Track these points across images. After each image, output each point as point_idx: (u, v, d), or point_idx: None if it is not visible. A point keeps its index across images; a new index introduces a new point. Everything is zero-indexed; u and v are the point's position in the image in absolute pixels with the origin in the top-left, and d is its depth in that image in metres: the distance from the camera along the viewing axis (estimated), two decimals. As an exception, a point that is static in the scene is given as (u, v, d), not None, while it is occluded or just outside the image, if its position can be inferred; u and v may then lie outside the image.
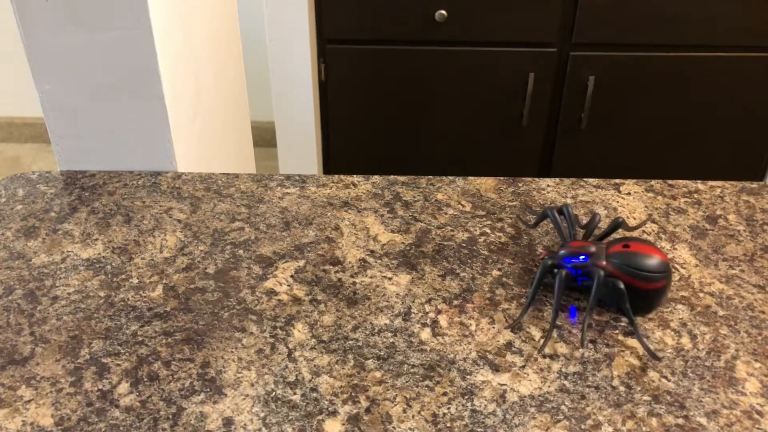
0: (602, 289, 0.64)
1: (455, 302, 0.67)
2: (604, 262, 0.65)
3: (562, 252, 0.67)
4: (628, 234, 0.75)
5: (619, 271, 0.64)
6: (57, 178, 0.86)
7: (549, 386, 0.59)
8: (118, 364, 0.61)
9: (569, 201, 0.82)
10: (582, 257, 0.65)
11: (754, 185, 0.85)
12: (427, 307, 0.67)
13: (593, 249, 0.66)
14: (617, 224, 0.70)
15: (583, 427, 0.55)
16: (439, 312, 0.66)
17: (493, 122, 1.73)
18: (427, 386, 0.59)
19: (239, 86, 1.28)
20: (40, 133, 2.67)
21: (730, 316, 0.66)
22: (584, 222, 0.77)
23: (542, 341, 0.63)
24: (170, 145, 0.87)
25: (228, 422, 0.55)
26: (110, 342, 0.63)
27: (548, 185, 0.84)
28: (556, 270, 0.66)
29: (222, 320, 0.65)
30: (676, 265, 0.72)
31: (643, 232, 0.77)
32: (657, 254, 0.64)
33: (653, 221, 0.78)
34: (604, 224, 0.78)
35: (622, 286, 0.62)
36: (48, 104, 0.84)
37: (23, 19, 0.78)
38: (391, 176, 0.86)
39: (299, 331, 0.64)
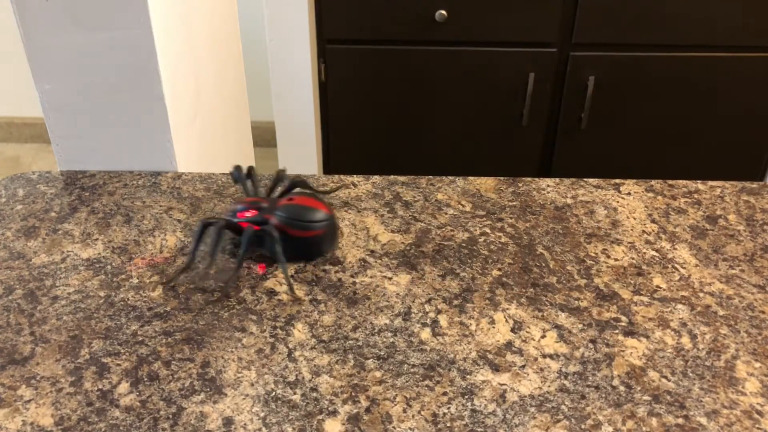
0: (267, 238, 0.70)
1: (455, 302, 0.67)
2: (270, 215, 0.70)
3: (236, 207, 0.72)
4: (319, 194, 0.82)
5: (280, 222, 0.70)
6: (57, 178, 0.86)
7: (549, 386, 0.59)
8: (118, 364, 0.61)
9: (569, 201, 0.82)
10: (252, 212, 0.71)
11: (754, 185, 0.85)
12: (427, 307, 0.67)
13: (265, 204, 0.72)
14: (296, 183, 0.76)
15: (583, 427, 0.55)
16: (439, 312, 0.66)
17: (493, 122, 1.74)
18: (427, 386, 0.59)
19: (239, 86, 1.28)
20: (40, 133, 2.67)
21: (730, 316, 0.66)
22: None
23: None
24: (170, 145, 0.87)
25: (228, 422, 0.55)
26: (110, 342, 0.63)
27: (548, 185, 0.85)
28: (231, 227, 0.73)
29: (222, 320, 0.65)
30: (676, 265, 0.72)
31: (643, 231, 0.77)
32: (317, 206, 0.71)
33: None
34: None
35: (275, 234, 0.69)
36: (48, 104, 0.84)
37: (23, 19, 0.78)
38: (391, 176, 0.86)
39: (299, 331, 0.64)
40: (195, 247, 0.70)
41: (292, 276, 0.70)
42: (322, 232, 0.71)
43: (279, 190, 0.77)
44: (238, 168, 0.77)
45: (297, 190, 0.78)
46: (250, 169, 0.78)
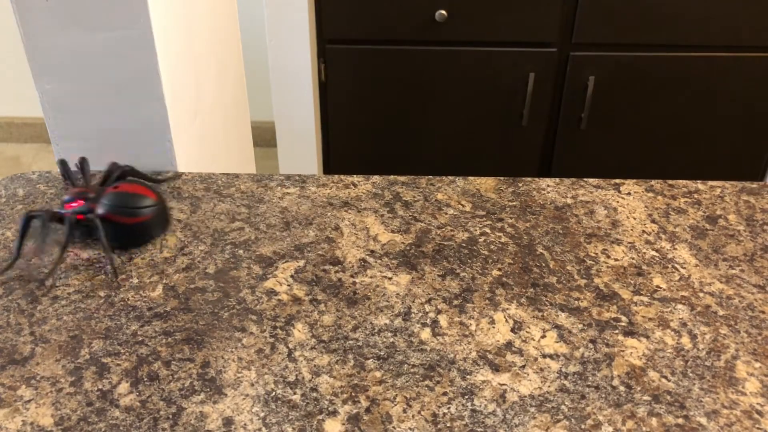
0: (94, 225, 0.71)
1: (455, 302, 0.67)
2: (96, 204, 0.72)
3: (64, 198, 0.74)
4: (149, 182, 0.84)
5: (106, 210, 0.72)
6: (57, 178, 0.86)
7: (549, 386, 0.59)
8: (118, 364, 0.61)
9: (569, 201, 0.82)
10: (79, 202, 0.73)
11: (754, 185, 0.85)
12: (427, 307, 0.67)
13: (92, 194, 0.73)
14: (127, 172, 0.78)
15: (583, 427, 0.55)
16: (439, 312, 0.66)
17: (493, 122, 1.74)
18: (427, 386, 0.59)
19: (239, 86, 1.28)
20: (40, 133, 2.67)
21: (730, 316, 0.66)
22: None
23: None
24: (170, 145, 0.87)
25: (228, 422, 0.55)
26: (110, 342, 0.63)
27: (548, 185, 0.85)
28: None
29: (222, 320, 0.65)
30: (676, 265, 0.72)
31: (643, 231, 0.77)
32: (143, 192, 0.72)
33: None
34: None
35: (98, 223, 0.70)
36: (48, 104, 0.84)
37: (23, 19, 0.78)
38: (391, 176, 0.86)
39: (299, 331, 0.64)
40: (20, 241, 0.71)
41: (292, 276, 0.70)
42: (149, 217, 0.73)
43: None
44: (63, 162, 0.79)
45: (129, 179, 0.80)
46: (83, 161, 0.79)
